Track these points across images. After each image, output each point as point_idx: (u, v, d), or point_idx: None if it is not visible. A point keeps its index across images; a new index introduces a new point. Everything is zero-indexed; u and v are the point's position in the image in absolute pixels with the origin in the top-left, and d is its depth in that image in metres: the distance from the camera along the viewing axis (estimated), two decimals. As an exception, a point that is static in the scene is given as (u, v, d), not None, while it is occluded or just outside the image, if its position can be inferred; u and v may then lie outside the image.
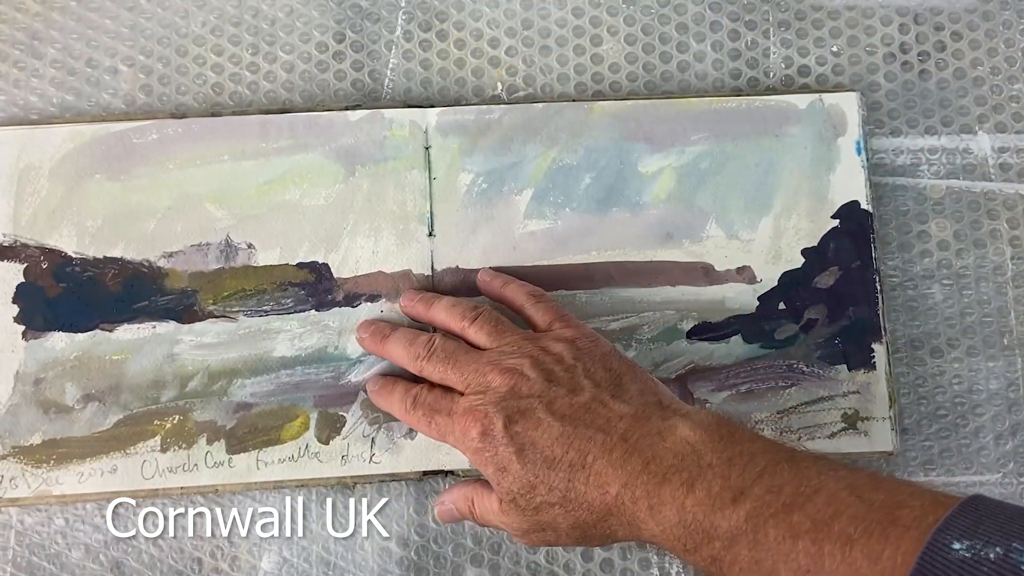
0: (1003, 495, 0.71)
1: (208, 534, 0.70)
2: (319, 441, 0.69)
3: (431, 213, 0.72)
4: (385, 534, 0.70)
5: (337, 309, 0.70)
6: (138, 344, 0.69)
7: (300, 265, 0.71)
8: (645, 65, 0.77)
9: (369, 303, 0.70)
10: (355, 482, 0.69)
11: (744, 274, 0.72)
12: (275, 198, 0.71)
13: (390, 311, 0.70)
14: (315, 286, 0.71)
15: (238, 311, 0.70)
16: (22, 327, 0.69)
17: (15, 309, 0.69)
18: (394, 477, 0.69)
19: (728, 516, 0.51)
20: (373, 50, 0.76)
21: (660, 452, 0.55)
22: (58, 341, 0.69)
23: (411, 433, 0.69)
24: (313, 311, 0.70)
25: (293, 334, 0.70)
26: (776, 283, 0.72)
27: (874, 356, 0.71)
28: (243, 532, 0.70)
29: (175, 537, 0.69)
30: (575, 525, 0.57)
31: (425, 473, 0.69)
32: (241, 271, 0.71)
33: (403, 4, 0.77)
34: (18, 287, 0.70)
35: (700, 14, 0.77)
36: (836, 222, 0.73)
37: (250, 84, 0.75)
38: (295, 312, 0.70)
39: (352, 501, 0.70)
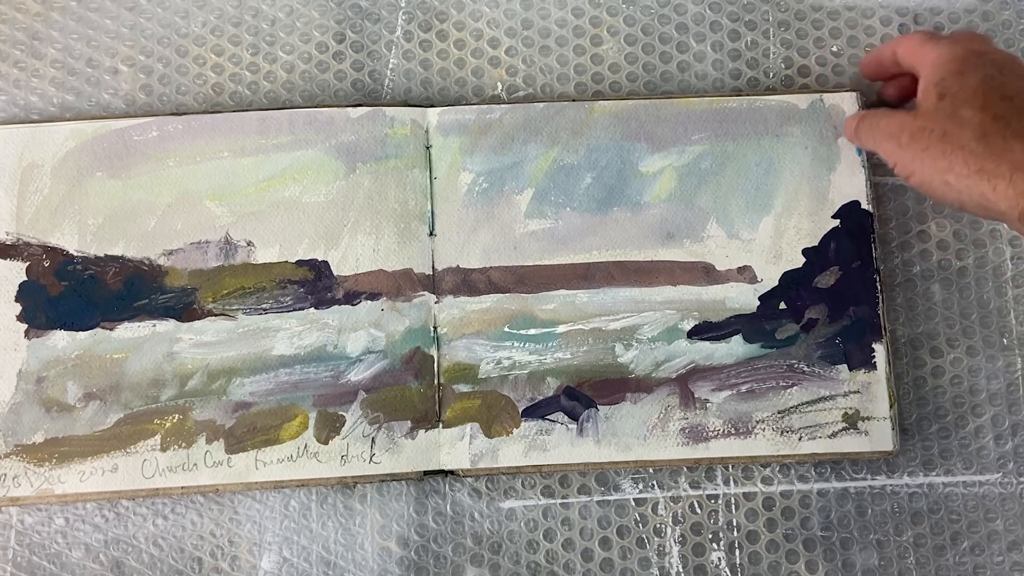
0: (1003, 495, 0.71)
1: (208, 534, 0.70)
2: (318, 441, 0.69)
3: (432, 212, 0.72)
4: (385, 534, 0.70)
5: (337, 307, 0.70)
6: (138, 343, 0.69)
7: (300, 263, 0.71)
8: (645, 65, 0.77)
9: (369, 301, 0.70)
10: (355, 482, 0.69)
11: (745, 274, 0.72)
12: (275, 195, 0.71)
13: (390, 310, 0.70)
14: (315, 284, 0.71)
15: (237, 309, 0.70)
16: (24, 325, 0.69)
17: (17, 308, 0.70)
18: (394, 477, 0.69)
19: None
20: (373, 50, 0.76)
21: None
22: (60, 340, 0.69)
23: (412, 433, 0.69)
24: (312, 309, 0.70)
25: (292, 332, 0.70)
26: (777, 283, 0.72)
27: (875, 356, 0.71)
28: (243, 532, 0.70)
29: (175, 537, 0.70)
30: (967, 148, 0.57)
31: (426, 473, 0.69)
32: (240, 269, 0.71)
33: (403, 4, 0.77)
34: (21, 286, 0.70)
35: (700, 14, 0.77)
36: (837, 222, 0.73)
37: (250, 84, 0.75)
38: (294, 310, 0.70)
39: (352, 501, 0.70)
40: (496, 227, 0.72)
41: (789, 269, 0.72)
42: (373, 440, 0.69)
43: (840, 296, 0.72)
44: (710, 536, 0.70)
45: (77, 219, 0.71)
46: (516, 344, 0.71)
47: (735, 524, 0.71)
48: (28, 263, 0.70)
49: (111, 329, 0.69)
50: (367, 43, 0.76)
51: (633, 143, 0.74)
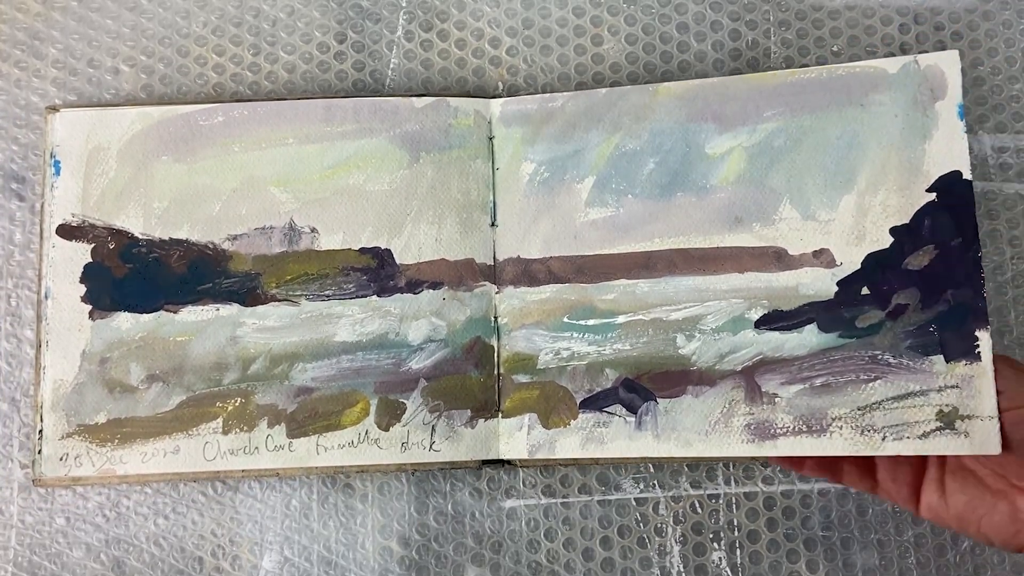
0: None
1: (209, 533, 0.70)
2: (379, 428, 0.69)
3: (494, 203, 0.72)
4: (386, 533, 0.70)
5: (399, 295, 0.70)
6: (202, 326, 0.70)
7: (363, 250, 0.71)
8: (646, 65, 0.77)
9: (431, 290, 0.71)
10: (415, 469, 0.69)
11: (821, 257, 0.67)
12: (339, 182, 0.72)
13: (452, 299, 0.70)
14: (377, 272, 0.71)
15: (300, 295, 0.70)
16: (89, 307, 0.69)
17: (82, 289, 0.70)
18: (454, 465, 0.69)
19: None
20: (374, 50, 0.77)
21: None
22: (124, 321, 0.69)
23: (471, 422, 0.69)
24: (375, 297, 0.70)
25: (355, 319, 0.70)
26: (859, 266, 0.66)
27: (978, 345, 0.63)
28: (244, 531, 0.70)
29: (176, 536, 0.70)
30: None
31: (484, 462, 0.69)
32: (304, 255, 0.71)
33: (404, 4, 0.77)
34: (86, 267, 0.70)
35: (701, 14, 0.78)
36: (932, 196, 0.66)
37: (251, 84, 0.76)
38: (357, 297, 0.70)
39: (353, 500, 0.71)
40: (557, 216, 0.71)
41: (874, 251, 0.66)
42: (433, 428, 0.69)
43: (936, 278, 0.65)
44: (711, 536, 0.71)
45: (142, 202, 0.71)
46: (575, 335, 0.70)
47: (736, 524, 0.71)
48: (93, 245, 0.70)
49: (175, 312, 0.70)
50: (368, 43, 0.77)
51: (699, 124, 0.70)
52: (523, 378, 0.70)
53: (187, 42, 0.76)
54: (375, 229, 0.71)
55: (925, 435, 0.63)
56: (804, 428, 0.65)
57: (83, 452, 0.67)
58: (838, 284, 0.67)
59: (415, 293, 0.71)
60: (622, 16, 0.78)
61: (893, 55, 0.76)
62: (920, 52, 0.75)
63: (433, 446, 0.69)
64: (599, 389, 0.69)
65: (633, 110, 0.72)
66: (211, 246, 0.70)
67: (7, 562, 0.69)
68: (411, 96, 0.73)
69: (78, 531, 0.69)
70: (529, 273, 0.71)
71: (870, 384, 0.65)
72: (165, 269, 0.70)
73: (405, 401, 0.69)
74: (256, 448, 0.68)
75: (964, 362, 0.63)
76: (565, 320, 0.70)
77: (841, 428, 0.65)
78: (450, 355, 0.70)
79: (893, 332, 0.65)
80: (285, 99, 0.73)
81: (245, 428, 0.68)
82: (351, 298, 0.70)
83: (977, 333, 0.63)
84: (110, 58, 0.75)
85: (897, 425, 0.64)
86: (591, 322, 0.70)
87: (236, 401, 0.69)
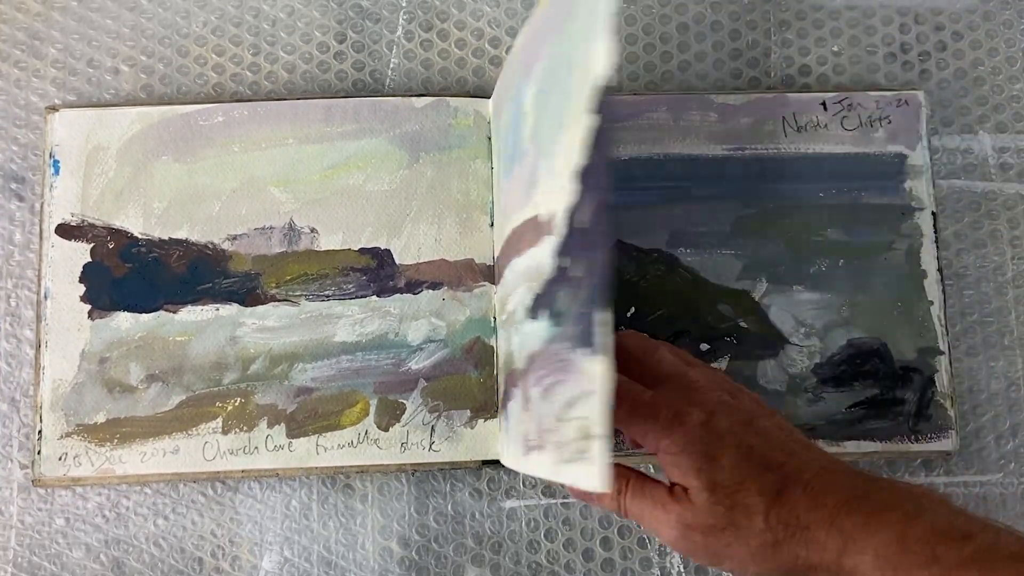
0: (1004, 495, 0.71)
1: (209, 533, 0.70)
2: (379, 428, 0.69)
3: (492, 203, 0.72)
4: (386, 534, 0.70)
5: (399, 296, 0.70)
6: (201, 326, 0.70)
7: (362, 250, 0.71)
8: (646, 65, 0.77)
9: (431, 290, 0.71)
10: (414, 469, 0.69)
11: (552, 222, 0.50)
12: (339, 183, 0.72)
13: (452, 299, 0.70)
14: (377, 272, 0.71)
15: (300, 295, 0.70)
16: (88, 306, 0.69)
17: (81, 288, 0.69)
18: (453, 466, 0.69)
19: None
20: (374, 50, 0.76)
21: None
22: (123, 321, 0.69)
23: (471, 422, 0.69)
24: (374, 297, 0.70)
25: (354, 319, 0.70)
26: (565, 229, 0.47)
27: (593, 330, 0.42)
28: (244, 531, 0.70)
29: (176, 536, 0.70)
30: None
31: (484, 462, 0.69)
32: (304, 255, 0.71)
33: (404, 4, 0.77)
34: (85, 267, 0.70)
35: (701, 13, 0.78)
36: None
37: (251, 85, 0.76)
38: (356, 297, 0.70)
39: (353, 501, 0.71)
40: (499, 207, 0.69)
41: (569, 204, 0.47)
42: (433, 428, 0.69)
43: (590, 235, 0.44)
44: (711, 536, 0.71)
45: (142, 202, 0.71)
46: (501, 333, 0.68)
47: (736, 524, 0.71)
48: (93, 244, 0.70)
49: (174, 312, 0.70)
50: (368, 43, 0.76)
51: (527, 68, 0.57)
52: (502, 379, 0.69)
53: (187, 42, 0.76)
54: (375, 229, 0.71)
55: (569, 460, 0.45)
56: (536, 442, 0.53)
57: (82, 452, 0.67)
58: (554, 255, 0.50)
59: (415, 293, 0.71)
60: (622, 16, 0.77)
61: (893, 55, 0.77)
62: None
63: (433, 446, 0.69)
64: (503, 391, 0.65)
65: (517, 63, 0.61)
66: (211, 246, 0.70)
67: (7, 562, 0.69)
68: (411, 96, 0.73)
69: (78, 531, 0.69)
70: (500, 272, 0.69)
71: (560, 386, 0.48)
72: (165, 269, 0.70)
73: (405, 401, 0.69)
74: (256, 448, 0.68)
75: (590, 353, 0.43)
76: (500, 319, 0.68)
77: (550, 442, 0.49)
78: (450, 355, 0.70)
79: (574, 315, 0.46)
80: (285, 99, 0.73)
81: (245, 428, 0.68)
82: (351, 298, 0.70)
83: (593, 313, 0.42)
84: (110, 58, 0.75)
85: (567, 442, 0.46)
86: (501, 319, 0.67)
87: (236, 401, 0.69)
